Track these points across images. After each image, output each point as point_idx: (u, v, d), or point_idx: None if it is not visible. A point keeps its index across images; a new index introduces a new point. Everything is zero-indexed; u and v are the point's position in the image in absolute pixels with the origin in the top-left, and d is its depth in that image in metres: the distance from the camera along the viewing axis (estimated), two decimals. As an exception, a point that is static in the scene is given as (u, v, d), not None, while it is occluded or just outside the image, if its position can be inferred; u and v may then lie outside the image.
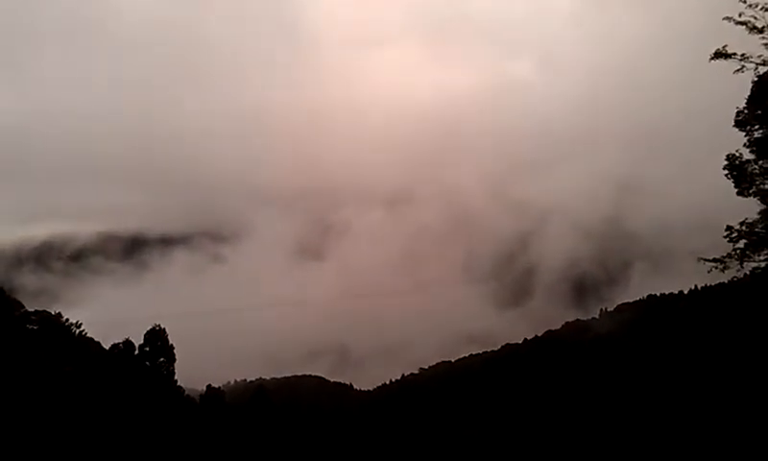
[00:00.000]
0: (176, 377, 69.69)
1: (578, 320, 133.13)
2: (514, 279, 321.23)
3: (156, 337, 68.80)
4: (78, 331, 62.92)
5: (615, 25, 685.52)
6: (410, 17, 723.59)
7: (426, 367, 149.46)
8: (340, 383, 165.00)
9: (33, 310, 59.12)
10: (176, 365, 69.93)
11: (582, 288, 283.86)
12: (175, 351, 69.97)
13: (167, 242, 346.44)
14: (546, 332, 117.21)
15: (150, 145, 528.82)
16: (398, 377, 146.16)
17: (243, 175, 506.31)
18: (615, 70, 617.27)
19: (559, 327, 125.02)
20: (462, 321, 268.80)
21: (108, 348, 64.57)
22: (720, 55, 19.80)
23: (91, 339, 64.10)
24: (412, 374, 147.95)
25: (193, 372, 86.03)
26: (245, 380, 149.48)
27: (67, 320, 63.01)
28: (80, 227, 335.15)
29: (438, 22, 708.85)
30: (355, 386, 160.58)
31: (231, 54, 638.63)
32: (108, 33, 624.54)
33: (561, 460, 62.27)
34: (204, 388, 78.71)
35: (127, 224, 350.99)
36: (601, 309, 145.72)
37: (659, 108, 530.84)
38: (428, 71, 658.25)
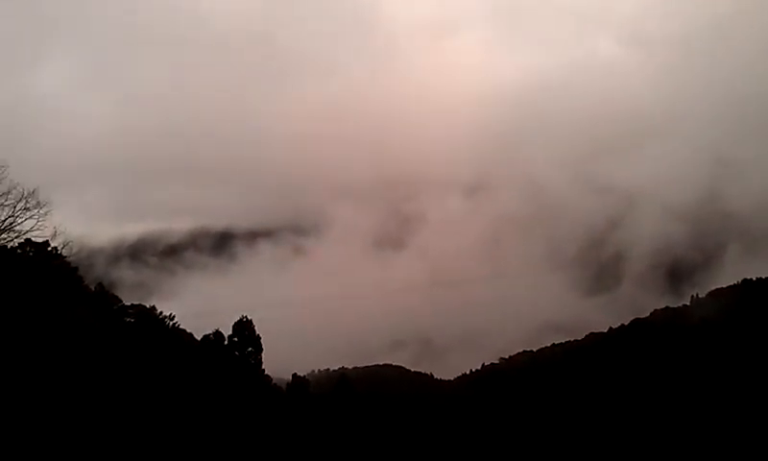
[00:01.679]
0: (263, 367, 72.61)
1: (667, 307, 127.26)
2: (600, 266, 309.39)
3: (244, 328, 71.72)
4: (171, 323, 66.73)
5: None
6: (488, 3, 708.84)
7: (507, 356, 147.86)
8: (421, 373, 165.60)
9: (129, 304, 63.22)
10: (262, 355, 72.84)
11: (673, 273, 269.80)
12: (261, 340, 72.87)
13: (253, 236, 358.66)
14: (633, 320, 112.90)
15: (237, 144, 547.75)
16: (479, 367, 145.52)
17: (323, 169, 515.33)
18: (705, 41, 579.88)
19: (647, 314, 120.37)
20: (545, 309, 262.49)
21: (199, 338, 68.10)
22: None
23: (184, 330, 67.78)
24: (492, 363, 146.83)
25: (279, 361, 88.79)
26: (328, 369, 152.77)
27: (161, 312, 66.95)
28: (173, 224, 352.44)
29: (515, 3, 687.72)
30: (436, 376, 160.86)
31: (311, 52, 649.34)
32: (200, 40, 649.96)
33: (647, 455, 60.13)
34: (290, 377, 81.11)
35: (216, 220, 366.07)
36: (692, 295, 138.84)
37: (754, 79, 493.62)
38: (506, 54, 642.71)
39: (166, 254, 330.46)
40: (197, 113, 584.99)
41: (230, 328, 71.61)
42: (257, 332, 72.70)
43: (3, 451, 26.47)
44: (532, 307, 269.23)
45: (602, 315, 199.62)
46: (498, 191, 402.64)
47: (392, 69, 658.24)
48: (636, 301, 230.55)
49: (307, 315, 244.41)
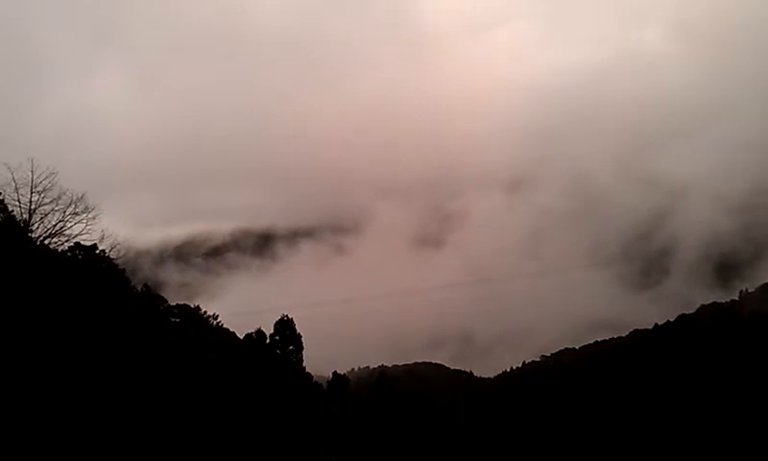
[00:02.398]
0: (304, 364, 73.63)
1: (715, 302, 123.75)
2: (646, 260, 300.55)
3: (285, 327, 72.83)
4: (215, 322, 68.37)
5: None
6: None
7: (549, 354, 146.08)
8: (460, 371, 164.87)
9: (175, 304, 65.00)
10: (303, 353, 73.85)
11: (722, 267, 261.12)
12: (302, 339, 73.88)
13: (294, 236, 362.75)
14: (680, 317, 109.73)
15: (279, 145, 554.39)
16: (520, 365, 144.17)
17: (364, 168, 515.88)
18: (752, 31, 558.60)
19: (694, 310, 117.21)
20: (589, 306, 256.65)
21: (242, 337, 69.54)
22: None
23: (227, 329, 69.36)
24: (534, 361, 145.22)
25: (320, 359, 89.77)
26: (368, 367, 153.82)
27: (205, 312, 68.68)
28: (216, 225, 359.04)
29: None
30: (476, 374, 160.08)
31: (351, 51, 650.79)
32: (243, 43, 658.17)
33: (691, 455, 58.62)
34: (331, 375, 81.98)
35: (258, 220, 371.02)
36: (741, 290, 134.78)
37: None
38: (547, 48, 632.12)
39: (210, 255, 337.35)
40: (239, 117, 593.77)
41: (272, 327, 72.95)
42: (298, 331, 73.74)
43: (58, 442, 27.65)
44: (576, 304, 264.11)
45: (649, 311, 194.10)
46: (541, 186, 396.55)
47: (432, 65, 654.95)
48: (683, 296, 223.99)
49: (348, 313, 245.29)
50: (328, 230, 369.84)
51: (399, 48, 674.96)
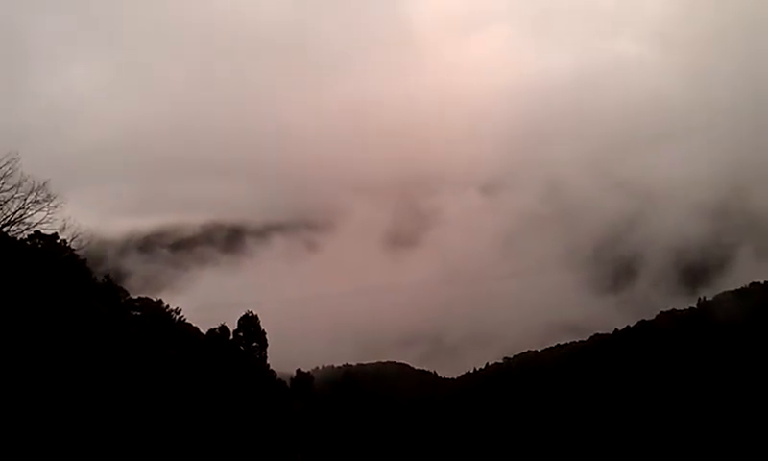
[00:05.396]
0: (268, 362, 73.26)
1: (673, 310, 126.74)
2: (616, 265, 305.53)
3: (250, 323, 72.42)
4: (177, 317, 67.52)
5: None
6: (511, 1, 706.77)
7: (511, 356, 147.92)
8: (424, 371, 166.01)
9: (136, 297, 64.05)
10: (268, 349, 73.48)
11: (690, 274, 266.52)
12: (267, 336, 73.48)
13: (266, 231, 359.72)
14: (639, 323, 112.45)
15: (253, 139, 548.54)
16: (483, 366, 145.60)
17: (340, 164, 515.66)
18: (729, 41, 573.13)
19: (653, 317, 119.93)
20: (556, 309, 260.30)
21: (205, 333, 68.85)
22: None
23: (189, 324, 68.50)
24: (497, 363, 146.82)
25: (286, 356, 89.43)
26: (332, 366, 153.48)
27: (168, 306, 67.74)
28: (188, 217, 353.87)
29: (540, 3, 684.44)
30: (440, 374, 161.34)
31: (335, 52, 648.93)
32: (226, 37, 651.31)
33: (645, 457, 60.32)
34: (295, 372, 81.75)
35: (232, 214, 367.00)
36: (699, 298, 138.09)
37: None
38: (528, 52, 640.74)
39: (179, 247, 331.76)
40: (218, 110, 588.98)
41: (237, 323, 72.44)
42: (263, 327, 73.38)
43: (7, 444, 27.11)
44: (545, 306, 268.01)
45: (614, 316, 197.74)
46: (517, 189, 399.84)
47: (414, 65, 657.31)
48: (649, 301, 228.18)
49: (316, 311, 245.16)
50: (301, 226, 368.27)
51: (382, 47, 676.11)
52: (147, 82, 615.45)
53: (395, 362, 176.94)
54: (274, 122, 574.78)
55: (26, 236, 38.43)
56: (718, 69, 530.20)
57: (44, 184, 35.03)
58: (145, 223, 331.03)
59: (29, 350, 29.78)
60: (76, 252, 43.37)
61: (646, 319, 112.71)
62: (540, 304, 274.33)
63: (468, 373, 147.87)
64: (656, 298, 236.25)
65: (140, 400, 35.48)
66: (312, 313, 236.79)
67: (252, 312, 73.54)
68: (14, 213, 34.87)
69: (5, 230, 35.33)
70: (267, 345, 73.12)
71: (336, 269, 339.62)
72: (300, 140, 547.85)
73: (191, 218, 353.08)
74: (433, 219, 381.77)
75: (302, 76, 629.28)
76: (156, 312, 63.62)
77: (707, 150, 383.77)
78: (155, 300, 67.75)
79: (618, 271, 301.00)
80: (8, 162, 33.94)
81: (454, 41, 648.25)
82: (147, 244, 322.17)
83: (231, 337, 70.47)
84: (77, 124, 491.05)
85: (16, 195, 34.42)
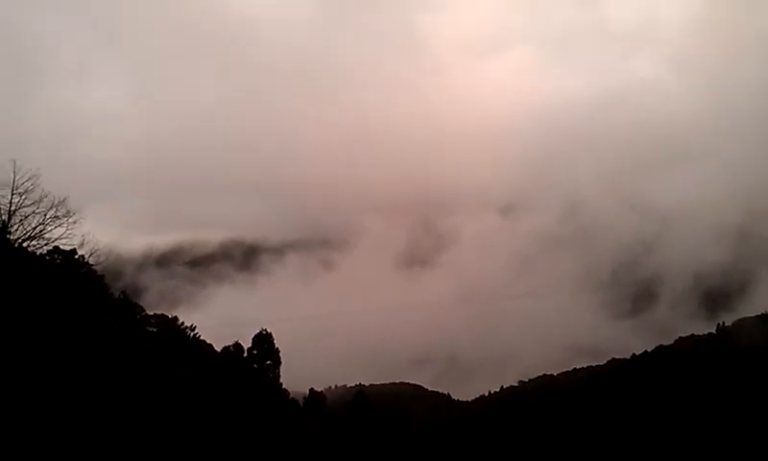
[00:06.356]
0: (281, 380, 73.19)
1: (692, 335, 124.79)
2: (634, 288, 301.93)
3: (263, 341, 72.64)
4: (192, 334, 67.85)
5: (744, 15, 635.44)
6: (530, 22, 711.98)
7: (527, 380, 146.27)
8: (438, 393, 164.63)
9: (152, 314, 64.50)
10: (281, 368, 73.47)
11: (710, 298, 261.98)
12: (280, 354, 73.52)
13: (283, 249, 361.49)
14: (657, 347, 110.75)
15: (271, 157, 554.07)
16: (498, 390, 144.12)
17: (357, 183, 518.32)
18: (745, 64, 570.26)
19: (671, 341, 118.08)
20: (573, 332, 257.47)
21: (219, 350, 69.05)
22: None
23: (204, 341, 68.80)
24: (512, 386, 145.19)
25: (299, 374, 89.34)
26: (345, 385, 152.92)
27: (182, 323, 68.15)
28: (205, 234, 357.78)
29: (557, 24, 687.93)
30: (454, 396, 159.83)
31: (352, 71, 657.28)
32: (243, 55, 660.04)
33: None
34: (308, 391, 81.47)
35: (249, 232, 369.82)
36: (719, 323, 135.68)
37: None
38: (545, 74, 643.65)
39: (195, 264, 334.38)
40: (236, 128, 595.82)
41: (251, 341, 72.61)
42: (276, 346, 73.51)
43: (24, 456, 27.27)
44: (561, 329, 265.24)
45: (632, 340, 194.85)
46: (533, 211, 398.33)
47: (430, 86, 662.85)
48: (668, 325, 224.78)
49: (331, 329, 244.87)
50: (317, 245, 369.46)
51: (400, 67, 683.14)
52: (166, 99, 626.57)
53: (408, 383, 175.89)
54: (291, 141, 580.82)
55: (45, 251, 39.03)
56: (735, 91, 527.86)
57: (64, 200, 35.73)
58: (163, 239, 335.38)
59: (44, 363, 30.03)
60: (94, 267, 43.87)
61: (664, 344, 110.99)
62: (556, 327, 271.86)
63: (483, 396, 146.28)
64: (674, 322, 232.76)
65: (152, 416, 35.55)
66: (326, 332, 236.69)
67: (265, 330, 73.81)
68: (35, 228, 35.51)
69: (25, 244, 35.92)
70: (280, 363, 73.23)
71: (351, 288, 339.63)
72: (317, 159, 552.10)
73: (209, 235, 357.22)
74: (449, 239, 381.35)
75: (319, 95, 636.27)
76: (172, 329, 63.99)
77: (724, 172, 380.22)
78: (170, 316, 68.23)
79: (636, 294, 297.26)
80: (29, 179, 34.69)
81: (473, 63, 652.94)
82: (164, 260, 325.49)
83: (245, 355, 70.64)
84: (96, 141, 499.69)
85: (37, 211, 35.14)
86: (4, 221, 34.84)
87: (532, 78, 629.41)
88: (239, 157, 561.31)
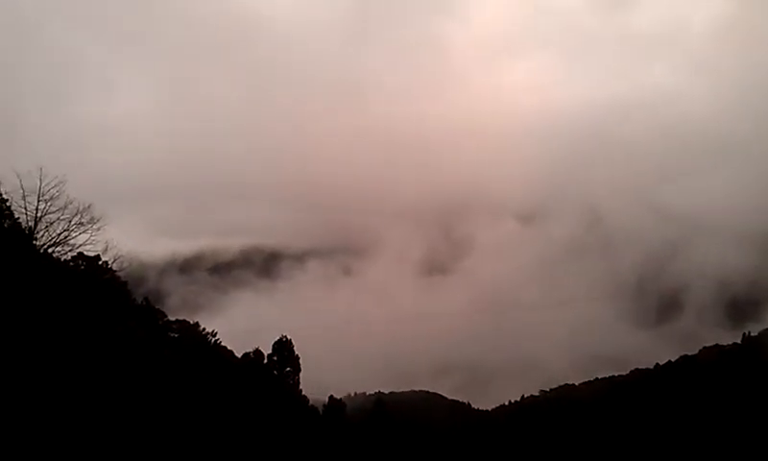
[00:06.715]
0: (300, 387, 73.34)
1: (717, 344, 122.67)
2: (659, 296, 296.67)
3: (283, 348, 72.84)
4: (213, 340, 68.38)
5: (766, 18, 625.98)
6: (551, 28, 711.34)
7: (548, 389, 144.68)
8: (457, 401, 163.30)
9: (174, 319, 65.13)
10: (301, 375, 73.62)
11: (736, 307, 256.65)
12: (300, 361, 73.69)
13: (303, 256, 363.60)
14: (681, 357, 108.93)
15: (297, 165, 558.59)
16: (518, 399, 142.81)
17: (375, 190, 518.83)
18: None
19: (696, 351, 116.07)
20: (595, 341, 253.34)
21: (240, 356, 69.45)
22: None
23: (225, 347, 69.28)
24: (532, 395, 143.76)
25: (318, 381, 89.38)
26: (364, 393, 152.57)
27: (204, 329, 68.71)
28: (225, 241, 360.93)
29: (578, 28, 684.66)
30: (473, 405, 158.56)
31: (367, 75, 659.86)
32: (267, 64, 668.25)
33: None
34: (327, 399, 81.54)
35: (270, 238, 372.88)
36: (744, 333, 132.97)
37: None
38: (566, 81, 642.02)
39: (217, 270, 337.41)
40: (255, 135, 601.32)
41: (271, 347, 72.89)
42: (296, 352, 73.67)
43: (51, 450, 27.71)
44: (583, 338, 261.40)
45: (656, 349, 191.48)
46: (555, 218, 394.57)
47: (450, 93, 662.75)
48: (692, 335, 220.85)
49: (350, 336, 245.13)
50: (337, 252, 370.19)
51: (419, 73, 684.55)
52: (190, 107, 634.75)
53: (427, 391, 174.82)
54: (312, 148, 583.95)
55: (70, 257, 39.70)
56: (759, 94, 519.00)
57: (88, 207, 36.33)
58: (185, 245, 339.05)
59: (68, 367, 30.51)
60: (117, 273, 44.53)
61: (689, 353, 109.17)
62: (577, 336, 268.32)
63: (503, 405, 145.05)
64: (699, 331, 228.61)
65: (173, 421, 35.87)
66: (345, 339, 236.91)
67: (286, 337, 74.00)
68: (60, 235, 36.16)
69: (50, 250, 36.59)
70: (300, 370, 73.35)
71: (371, 295, 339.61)
72: (337, 166, 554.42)
73: (230, 242, 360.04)
74: (469, 247, 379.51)
75: (341, 103, 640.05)
76: (193, 334, 64.52)
77: (748, 179, 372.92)
78: (192, 322, 68.76)
79: (660, 303, 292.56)
80: (54, 186, 35.37)
81: (493, 69, 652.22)
82: (186, 266, 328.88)
83: (265, 361, 70.93)
84: (121, 148, 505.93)
85: (62, 217, 35.77)
86: (30, 227, 35.55)
87: (553, 84, 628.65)
88: (261, 164, 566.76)
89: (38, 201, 35.21)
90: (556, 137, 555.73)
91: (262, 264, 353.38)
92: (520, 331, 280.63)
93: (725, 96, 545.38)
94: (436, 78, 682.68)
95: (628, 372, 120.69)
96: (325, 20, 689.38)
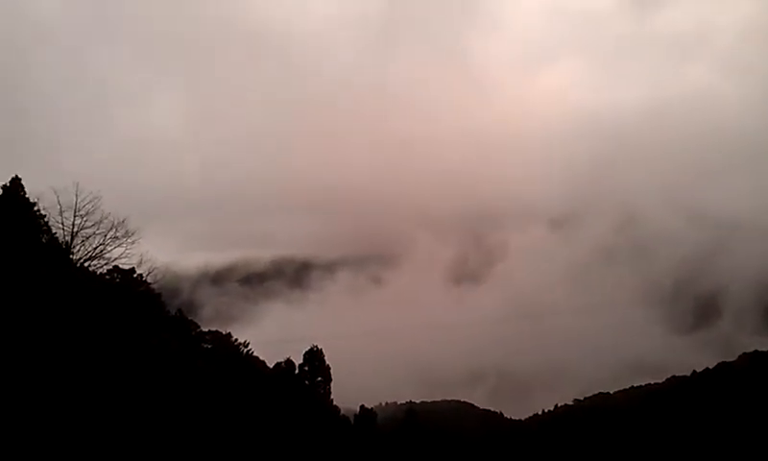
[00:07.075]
0: (332, 396, 73.58)
1: (756, 351, 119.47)
2: (696, 301, 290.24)
3: (314, 357, 73.17)
4: (245, 350, 69.11)
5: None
6: (581, 34, 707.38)
7: (582, 398, 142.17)
8: (490, 411, 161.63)
9: (207, 330, 66.05)
10: (332, 384, 73.87)
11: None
12: (331, 371, 73.96)
13: (333, 266, 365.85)
14: (719, 364, 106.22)
15: (323, 175, 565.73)
16: (552, 408, 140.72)
17: (406, 200, 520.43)
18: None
19: (734, 358, 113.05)
20: (631, 348, 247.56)
21: (271, 366, 70.04)
22: None
23: (257, 358, 69.94)
24: (566, 404, 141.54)
25: (350, 391, 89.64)
26: (395, 403, 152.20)
27: (236, 339, 69.52)
28: (256, 253, 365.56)
29: (609, 34, 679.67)
30: (506, 415, 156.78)
31: (396, 85, 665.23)
32: (298, 77, 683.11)
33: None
34: (358, 408, 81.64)
35: (300, 249, 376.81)
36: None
37: None
38: (597, 86, 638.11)
39: (248, 281, 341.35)
40: (285, 148, 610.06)
41: (302, 357, 73.33)
42: (327, 362, 73.93)
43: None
44: (618, 345, 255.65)
45: (693, 355, 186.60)
46: (588, 223, 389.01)
47: (480, 100, 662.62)
48: (731, 340, 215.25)
49: (381, 346, 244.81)
50: (367, 261, 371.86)
51: (448, 81, 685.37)
52: (220, 121, 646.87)
53: (459, 401, 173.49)
54: (342, 159, 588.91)
55: (105, 271, 40.75)
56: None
57: (123, 221, 37.44)
58: (217, 257, 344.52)
59: (103, 378, 31.23)
60: (151, 285, 45.50)
61: (727, 360, 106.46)
62: (612, 343, 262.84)
63: (537, 414, 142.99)
64: (737, 337, 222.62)
65: (207, 431, 36.37)
66: (376, 348, 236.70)
67: (317, 347, 74.34)
68: (95, 248, 37.27)
69: (86, 264, 37.65)
70: (331, 380, 73.57)
71: (401, 304, 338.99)
72: (367, 176, 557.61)
73: (261, 253, 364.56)
74: (500, 253, 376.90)
75: (370, 114, 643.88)
76: (226, 345, 65.26)
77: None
78: (224, 333, 69.60)
79: (697, 308, 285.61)
80: (90, 201, 36.49)
81: (523, 76, 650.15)
82: (219, 278, 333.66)
83: (297, 371, 71.36)
84: (155, 163, 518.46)
85: (97, 231, 36.94)
86: (67, 242, 36.68)
87: (583, 89, 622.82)
88: (291, 176, 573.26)
89: (75, 216, 36.51)
90: (587, 142, 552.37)
91: (293, 275, 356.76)
92: (553, 338, 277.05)
93: (759, 96, 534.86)
94: (464, 87, 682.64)
95: (664, 379, 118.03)
96: (355, 35, 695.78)
